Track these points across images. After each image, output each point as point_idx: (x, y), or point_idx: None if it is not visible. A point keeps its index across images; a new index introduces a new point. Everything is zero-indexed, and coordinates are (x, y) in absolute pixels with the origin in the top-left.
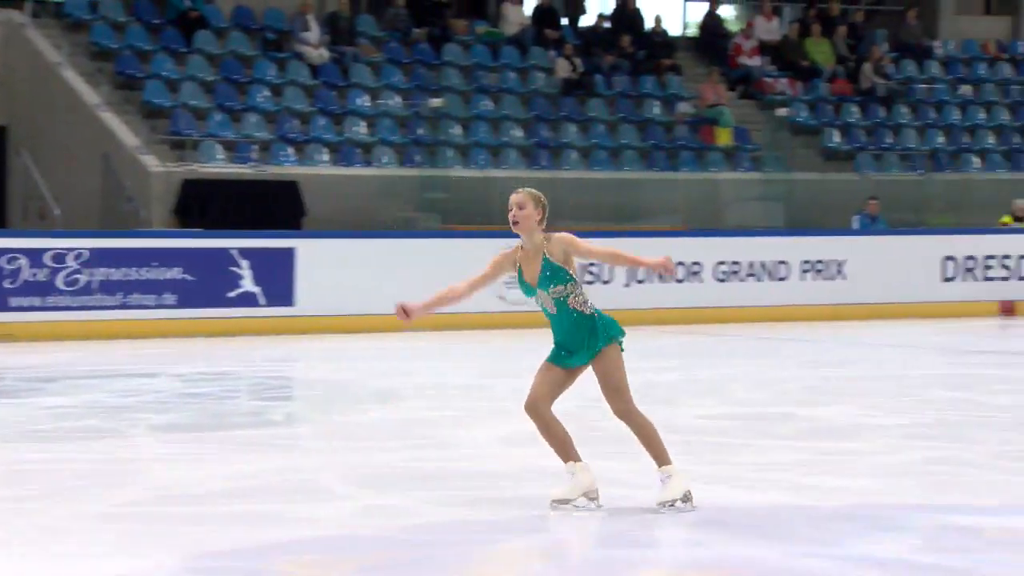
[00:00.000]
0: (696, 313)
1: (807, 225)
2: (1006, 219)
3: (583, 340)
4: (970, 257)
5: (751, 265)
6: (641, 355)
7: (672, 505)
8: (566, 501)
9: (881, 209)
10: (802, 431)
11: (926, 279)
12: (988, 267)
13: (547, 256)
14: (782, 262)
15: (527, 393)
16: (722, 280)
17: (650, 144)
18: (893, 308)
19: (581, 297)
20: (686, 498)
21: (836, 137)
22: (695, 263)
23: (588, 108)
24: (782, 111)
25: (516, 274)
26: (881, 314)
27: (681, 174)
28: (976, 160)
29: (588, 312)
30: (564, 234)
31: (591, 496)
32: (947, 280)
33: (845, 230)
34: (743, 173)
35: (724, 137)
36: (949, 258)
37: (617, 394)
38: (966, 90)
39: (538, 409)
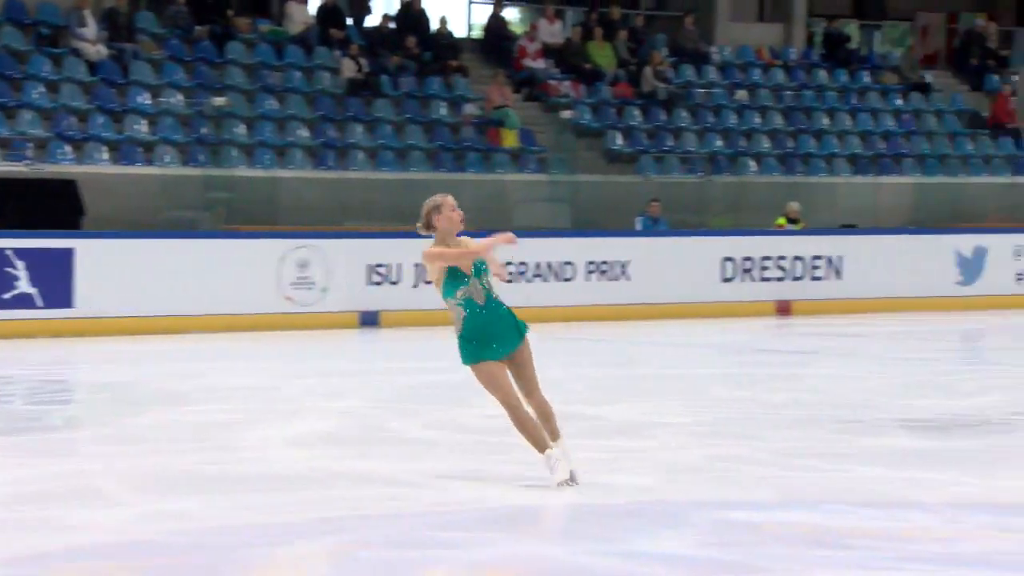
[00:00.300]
0: None
1: (592, 226)
2: (781, 221)
3: (509, 329)
4: (747, 258)
5: (538, 266)
6: (430, 356)
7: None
8: (572, 479)
9: (663, 211)
10: (589, 430)
11: (706, 279)
12: (764, 268)
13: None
14: (568, 263)
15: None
16: (509, 281)
17: (437, 145)
18: (676, 308)
19: (495, 290)
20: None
21: (619, 140)
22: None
23: (374, 109)
24: (566, 113)
25: (447, 270)
26: (664, 314)
27: (468, 175)
28: (752, 163)
29: (505, 305)
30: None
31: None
32: (726, 280)
33: (628, 231)
34: (529, 175)
35: (510, 139)
36: (728, 259)
37: (535, 381)
38: (742, 95)
39: (519, 410)
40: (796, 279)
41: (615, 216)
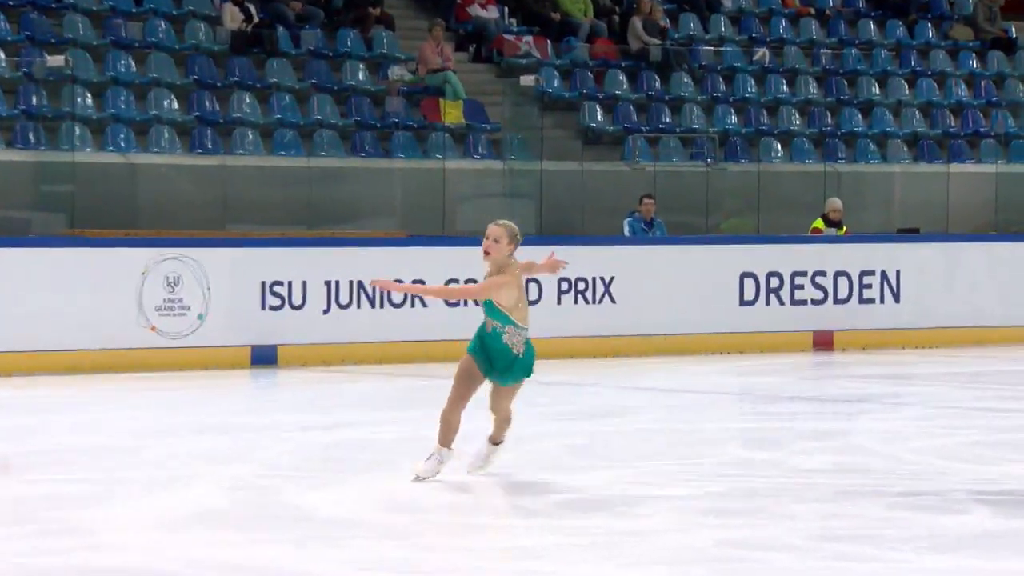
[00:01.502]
0: (415, 349)
1: (564, 231)
2: (818, 224)
3: (500, 366)
4: (774, 273)
5: None
6: (346, 405)
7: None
8: (430, 477)
9: (659, 210)
10: (564, 505)
11: (719, 303)
12: (797, 287)
13: (492, 297)
14: (532, 280)
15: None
16: (453, 304)
17: (353, 122)
18: (677, 341)
19: (516, 339)
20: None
21: (598, 115)
22: (418, 281)
23: (268, 72)
24: (527, 79)
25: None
26: (661, 349)
27: (396, 162)
28: (778, 146)
29: (514, 352)
30: (502, 278)
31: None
32: (745, 304)
33: (613, 237)
34: (478, 161)
35: (452, 113)
36: (748, 275)
37: (504, 404)
38: (762, 55)
39: (457, 410)
40: (839, 302)
41: (595, 217)
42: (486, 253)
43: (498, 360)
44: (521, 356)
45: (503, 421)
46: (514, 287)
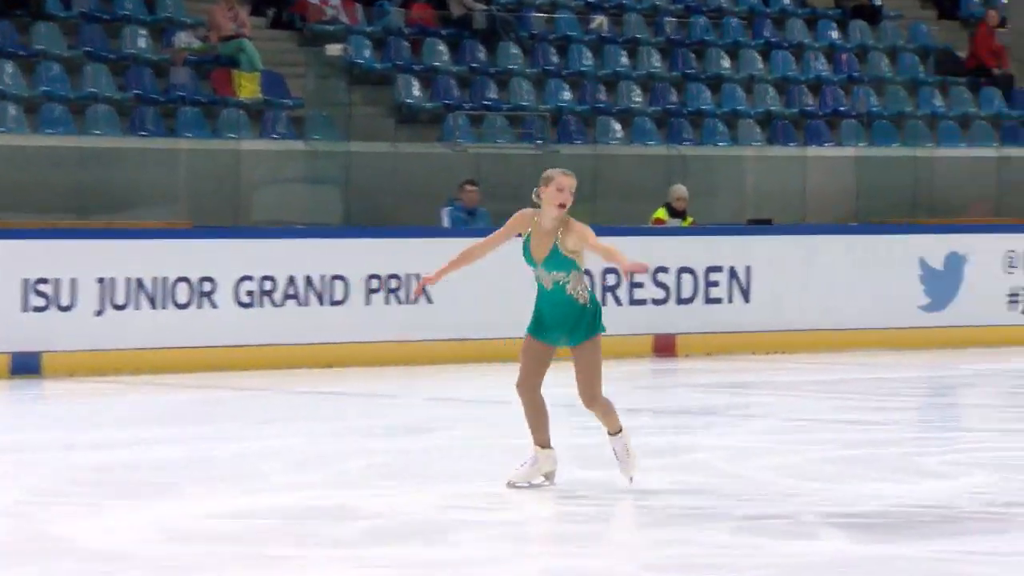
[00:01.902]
0: (205, 356)
1: (375, 222)
2: (660, 214)
3: (566, 324)
4: (610, 270)
5: (292, 282)
6: (124, 421)
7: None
8: (526, 483)
9: (482, 198)
10: (367, 532)
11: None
12: (637, 285)
13: (558, 244)
14: (339, 277)
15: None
16: (247, 305)
17: (132, 96)
18: (497, 346)
19: (580, 287)
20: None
21: (414, 89)
22: (205, 279)
23: (34, 38)
24: (334, 49)
25: (524, 237)
26: (483, 354)
27: (181, 142)
28: (616, 126)
29: (581, 303)
30: (582, 227)
31: (549, 477)
32: None
33: (429, 229)
34: (276, 142)
35: (248, 87)
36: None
37: (586, 385)
38: (600, 22)
39: (528, 386)
40: (683, 302)
41: (409, 206)
42: (562, 206)
43: (566, 318)
44: (588, 305)
45: (603, 410)
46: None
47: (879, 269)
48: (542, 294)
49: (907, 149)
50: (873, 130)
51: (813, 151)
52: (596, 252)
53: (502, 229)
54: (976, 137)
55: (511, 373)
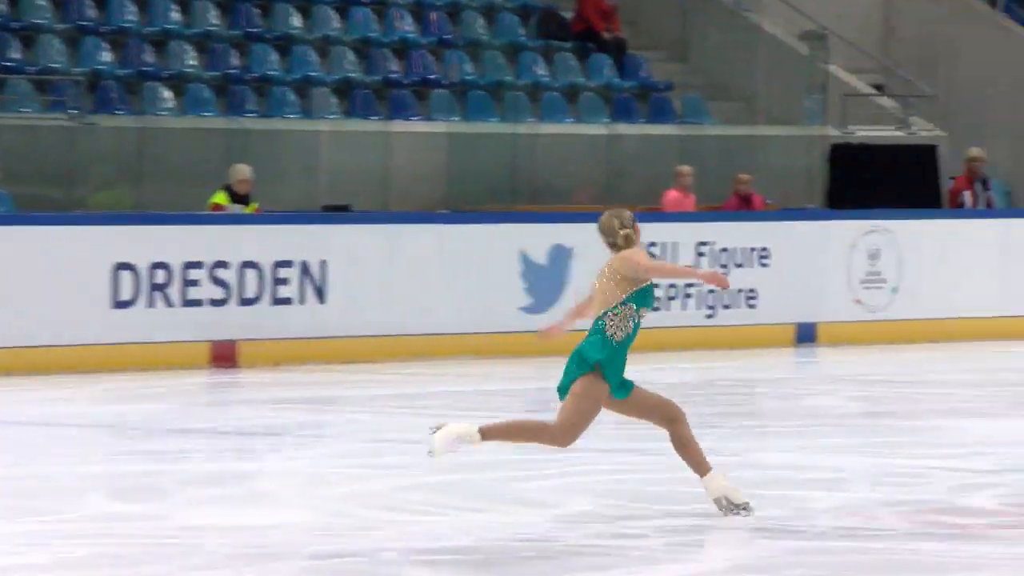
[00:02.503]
0: None
1: None
2: (219, 198)
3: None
4: (161, 265)
5: None
6: None
7: None
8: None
9: (4, 181)
10: None
11: (90, 303)
12: (192, 283)
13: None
14: None
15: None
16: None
17: None
18: (55, 355)
19: (615, 326)
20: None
21: None
22: None
23: None
24: None
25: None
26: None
27: None
28: (166, 93)
29: (611, 341)
30: (624, 253)
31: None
32: (121, 305)
33: None
34: None
35: None
36: (125, 266)
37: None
38: None
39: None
40: (246, 303)
41: None
42: (612, 245)
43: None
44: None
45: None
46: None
47: (474, 264)
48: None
49: (506, 125)
50: (467, 102)
51: (398, 126)
52: (651, 275)
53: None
54: (584, 111)
55: (60, 387)
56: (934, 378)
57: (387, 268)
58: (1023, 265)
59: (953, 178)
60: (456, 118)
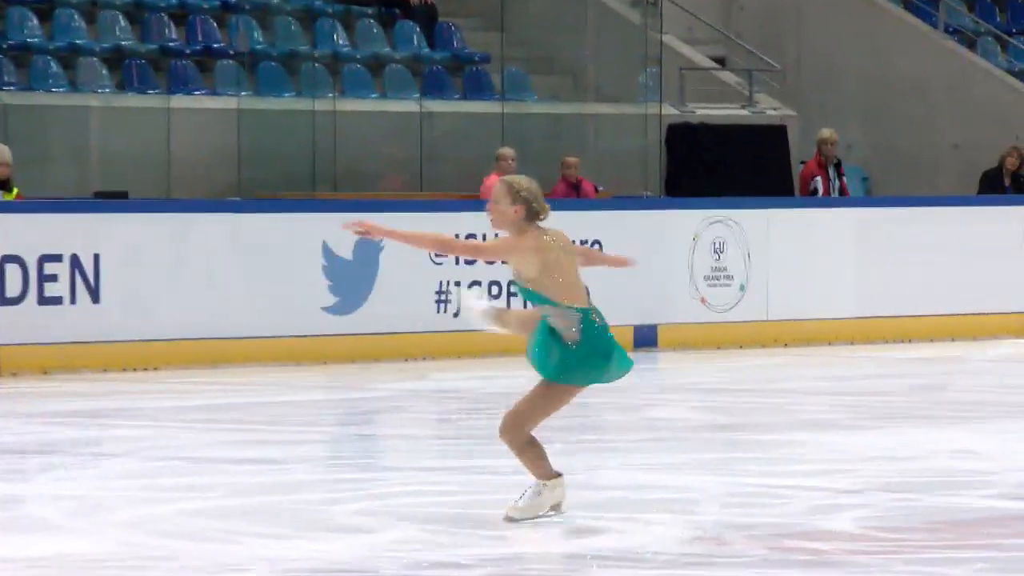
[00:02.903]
0: None
1: None
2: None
3: (533, 355)
4: None
5: None
6: None
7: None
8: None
9: None
10: None
11: None
12: None
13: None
14: None
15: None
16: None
17: None
18: None
19: (563, 321)
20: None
21: None
22: None
23: None
24: None
25: None
26: None
27: None
28: None
29: (565, 340)
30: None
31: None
32: None
33: None
34: None
35: None
36: None
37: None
38: None
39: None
40: (8, 302)
41: None
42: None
43: (548, 354)
44: (573, 346)
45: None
46: (531, 254)
47: (270, 260)
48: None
49: (303, 100)
50: (258, 74)
51: (179, 101)
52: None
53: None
54: (391, 86)
55: None
56: (788, 386)
57: (170, 264)
58: (882, 260)
59: (803, 163)
60: (246, 93)
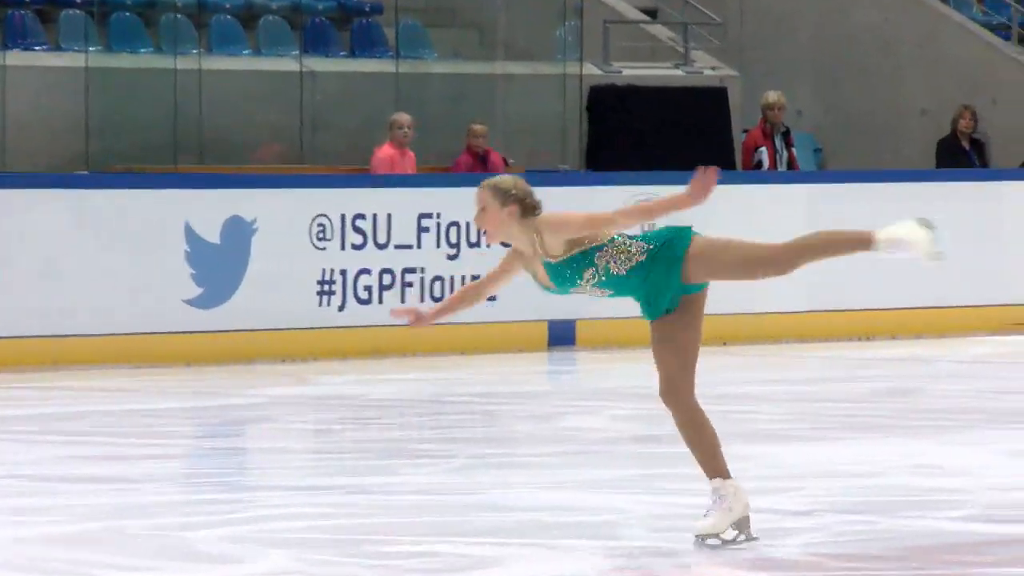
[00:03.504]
0: None
1: None
2: None
3: (661, 286)
4: None
5: None
6: None
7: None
8: (714, 535)
9: None
10: None
11: None
12: None
13: (545, 259)
14: None
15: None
16: None
17: None
18: None
19: (622, 256)
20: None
21: None
22: None
23: None
24: None
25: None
26: None
27: None
28: None
29: (644, 259)
30: (549, 218)
31: (742, 528)
32: None
33: None
34: None
35: None
36: None
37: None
38: None
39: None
40: None
41: None
42: (483, 233)
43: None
44: (639, 263)
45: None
46: (555, 227)
47: (125, 244)
48: (622, 294)
49: (162, 57)
50: (109, 27)
51: (16, 58)
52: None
53: (496, 269)
54: (266, 41)
55: None
56: (727, 391)
57: (5, 248)
58: None
59: (746, 131)
60: (95, 48)
